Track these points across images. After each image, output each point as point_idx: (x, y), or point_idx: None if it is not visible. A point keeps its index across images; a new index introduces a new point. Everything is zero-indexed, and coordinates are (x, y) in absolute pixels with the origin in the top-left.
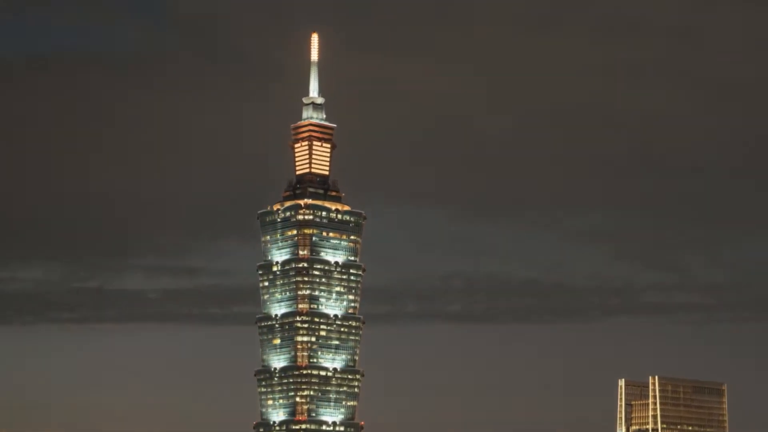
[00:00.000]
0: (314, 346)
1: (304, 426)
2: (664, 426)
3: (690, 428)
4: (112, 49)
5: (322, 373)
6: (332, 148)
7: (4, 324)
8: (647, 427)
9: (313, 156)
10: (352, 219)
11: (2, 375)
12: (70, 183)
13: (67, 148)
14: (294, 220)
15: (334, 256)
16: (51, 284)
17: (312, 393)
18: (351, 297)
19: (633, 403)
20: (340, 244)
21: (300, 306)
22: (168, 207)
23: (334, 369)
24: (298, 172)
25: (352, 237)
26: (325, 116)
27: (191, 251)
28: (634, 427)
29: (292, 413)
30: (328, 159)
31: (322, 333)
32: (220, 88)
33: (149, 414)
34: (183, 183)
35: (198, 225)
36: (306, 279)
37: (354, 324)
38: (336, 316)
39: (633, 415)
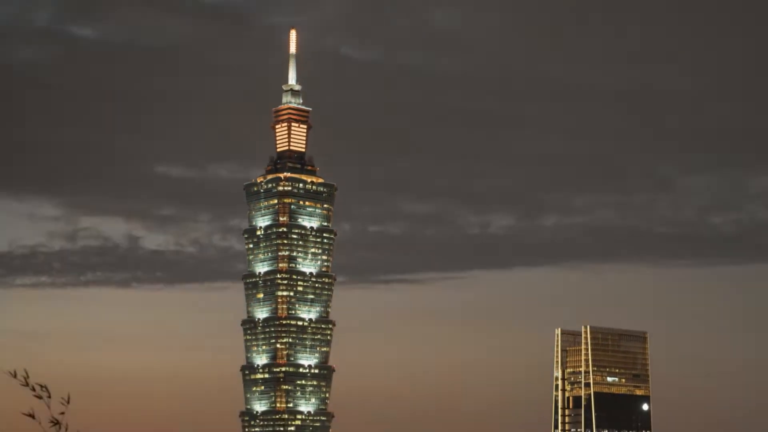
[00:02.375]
0: (292, 300)
1: (283, 369)
2: (595, 369)
3: (617, 371)
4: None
5: (299, 323)
6: (308, 128)
7: None
8: (580, 369)
9: (292, 135)
10: (325, 189)
11: None
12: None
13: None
14: (275, 191)
15: (309, 221)
16: None
17: (290, 340)
18: (324, 257)
19: (567, 349)
20: (315, 211)
21: (280, 265)
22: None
23: (310, 319)
24: (278, 150)
25: (325, 205)
26: (302, 101)
27: None
28: (569, 370)
29: (273, 357)
30: (304, 138)
31: (300, 288)
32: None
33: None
34: None
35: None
36: (285, 242)
37: (327, 281)
38: (311, 273)
39: (568, 359)
